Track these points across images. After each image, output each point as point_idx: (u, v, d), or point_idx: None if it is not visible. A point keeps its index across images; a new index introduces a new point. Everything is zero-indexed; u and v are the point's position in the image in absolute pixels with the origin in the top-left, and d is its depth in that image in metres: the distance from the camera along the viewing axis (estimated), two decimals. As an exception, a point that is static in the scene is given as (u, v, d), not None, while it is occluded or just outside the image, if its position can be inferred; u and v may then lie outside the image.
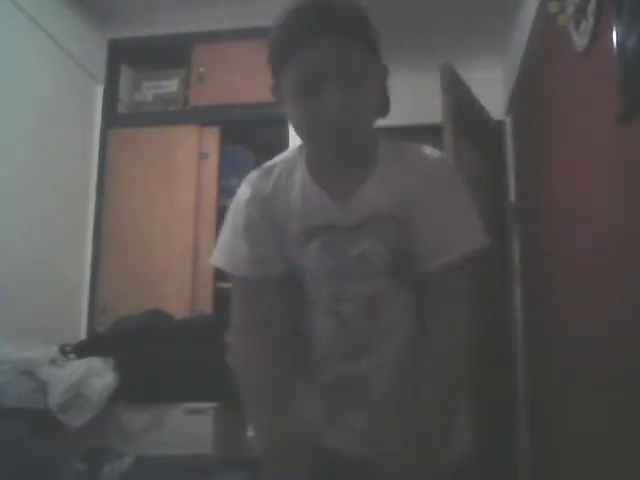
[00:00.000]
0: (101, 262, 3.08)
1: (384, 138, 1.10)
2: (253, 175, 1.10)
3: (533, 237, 3.03)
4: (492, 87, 3.57)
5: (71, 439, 1.95)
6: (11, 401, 1.87)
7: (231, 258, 1.08)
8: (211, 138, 3.16)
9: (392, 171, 1.05)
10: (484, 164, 3.24)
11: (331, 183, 1.05)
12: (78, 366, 2.08)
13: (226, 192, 2.99)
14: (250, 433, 1.14)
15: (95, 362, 2.12)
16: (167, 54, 3.29)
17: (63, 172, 2.94)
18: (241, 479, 1.82)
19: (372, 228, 1.03)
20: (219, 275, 2.91)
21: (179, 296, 2.95)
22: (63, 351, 2.20)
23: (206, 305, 2.95)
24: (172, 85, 3.29)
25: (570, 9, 1.99)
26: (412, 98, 3.18)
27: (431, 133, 2.58)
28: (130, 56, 3.34)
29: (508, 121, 3.63)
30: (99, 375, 2.07)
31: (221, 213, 1.19)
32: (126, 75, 3.36)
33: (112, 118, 3.24)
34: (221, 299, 2.77)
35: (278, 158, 1.12)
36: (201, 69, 3.19)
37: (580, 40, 1.95)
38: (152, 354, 2.22)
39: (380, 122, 1.08)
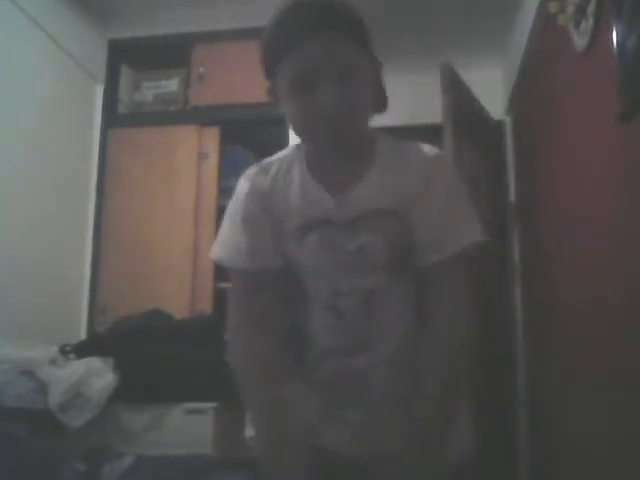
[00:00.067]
0: (101, 262, 3.08)
1: (383, 136, 1.11)
2: (252, 170, 1.13)
3: (533, 237, 3.03)
4: (492, 87, 3.57)
5: (71, 439, 1.95)
6: (11, 401, 1.87)
7: (230, 250, 1.09)
8: (211, 138, 3.16)
9: (390, 167, 1.06)
10: (484, 164, 3.24)
11: (329, 178, 1.07)
12: (78, 366, 2.08)
13: (226, 192, 2.99)
14: (248, 433, 1.14)
15: (95, 362, 2.12)
16: (167, 54, 3.29)
17: (63, 172, 2.94)
18: (241, 479, 1.82)
19: (371, 223, 1.04)
20: (219, 275, 2.91)
21: (179, 296, 2.95)
22: (63, 351, 2.20)
23: (206, 305, 2.95)
24: (172, 85, 3.29)
25: (570, 9, 1.99)
26: (412, 98, 3.18)
27: (431, 133, 2.57)
28: (130, 56, 3.34)
29: (508, 121, 3.63)
30: (99, 375, 2.07)
31: (221, 213, 1.20)
32: (126, 75, 3.36)
33: (112, 118, 3.24)
34: (221, 299, 2.77)
35: (276, 156, 1.14)
36: (201, 69, 3.19)
37: (580, 40, 1.95)
38: (152, 354, 2.22)
39: (380, 122, 1.09)
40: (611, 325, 1.76)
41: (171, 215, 3.06)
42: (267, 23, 1.00)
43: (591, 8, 1.81)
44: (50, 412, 1.91)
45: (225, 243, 1.10)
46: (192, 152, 3.13)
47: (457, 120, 2.80)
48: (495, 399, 2.90)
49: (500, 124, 3.62)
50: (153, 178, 3.12)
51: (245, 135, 3.25)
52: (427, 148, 1.09)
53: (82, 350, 2.23)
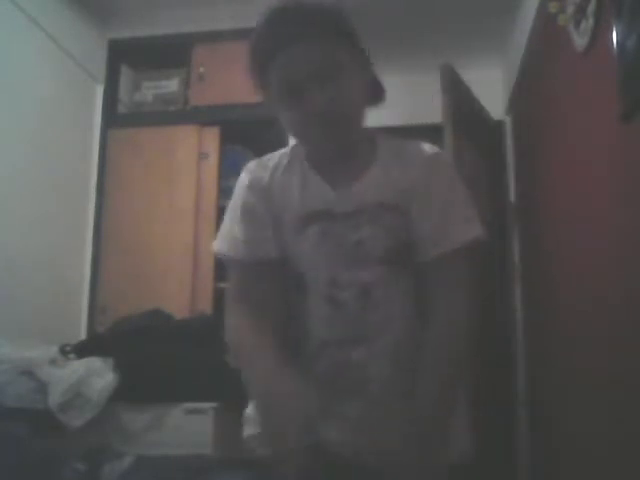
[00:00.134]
0: (101, 262, 3.08)
1: (383, 136, 1.12)
2: (252, 164, 1.16)
3: (533, 237, 3.03)
4: (492, 87, 3.57)
5: (71, 439, 1.95)
6: (11, 401, 1.87)
7: (229, 241, 1.10)
8: (211, 138, 3.16)
9: (391, 163, 1.08)
10: (484, 164, 3.24)
11: (331, 173, 1.09)
12: (78, 366, 2.08)
13: (226, 192, 2.98)
14: (246, 432, 1.13)
15: (95, 362, 2.12)
16: (167, 54, 3.29)
17: (63, 172, 2.94)
18: (241, 479, 1.82)
19: (373, 216, 1.05)
20: (219, 275, 2.91)
21: (179, 296, 2.95)
22: (63, 351, 2.20)
23: (206, 305, 2.94)
24: (172, 85, 3.30)
25: (570, 9, 1.99)
26: (412, 98, 3.18)
27: (431, 133, 2.56)
28: (130, 56, 3.34)
29: (508, 121, 3.63)
30: (99, 375, 2.07)
31: (221, 213, 1.21)
32: (126, 75, 3.36)
33: (112, 118, 3.24)
34: (221, 299, 2.76)
35: (277, 153, 1.17)
36: (201, 69, 3.19)
37: (580, 40, 1.95)
38: (152, 354, 2.22)
39: (380, 122, 1.10)
40: (611, 325, 1.76)
41: (171, 215, 3.06)
42: (250, 36, 1.03)
43: (591, 8, 1.81)
44: (50, 412, 1.91)
45: (224, 235, 1.12)
46: (192, 152, 3.13)
47: (457, 120, 2.80)
48: (495, 399, 2.90)
49: (500, 124, 3.61)
50: (153, 178, 3.12)
51: (245, 135, 3.24)
52: (427, 146, 1.11)
53: (82, 350, 2.23)
